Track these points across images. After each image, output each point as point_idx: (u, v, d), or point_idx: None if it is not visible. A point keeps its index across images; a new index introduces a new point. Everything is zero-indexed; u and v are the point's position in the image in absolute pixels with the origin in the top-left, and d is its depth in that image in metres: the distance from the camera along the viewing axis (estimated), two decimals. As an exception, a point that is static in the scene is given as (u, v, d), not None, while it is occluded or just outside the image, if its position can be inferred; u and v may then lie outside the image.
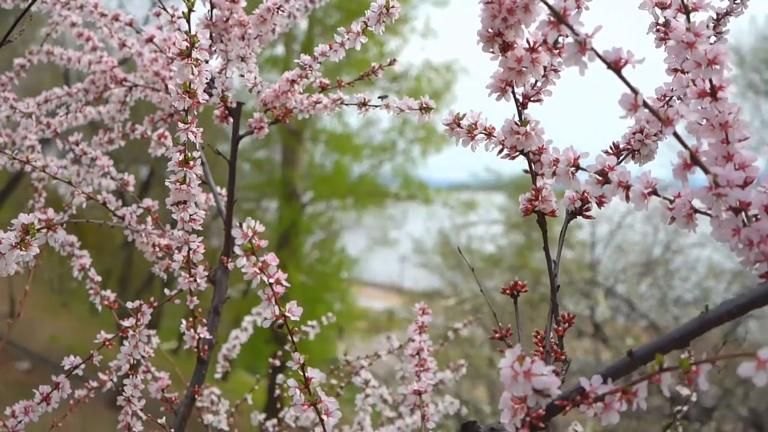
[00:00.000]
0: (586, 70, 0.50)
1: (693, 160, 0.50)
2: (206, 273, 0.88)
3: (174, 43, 1.00)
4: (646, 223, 7.43)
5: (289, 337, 0.63)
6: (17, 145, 1.26)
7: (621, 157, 0.66)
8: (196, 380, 0.96)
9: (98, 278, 1.06)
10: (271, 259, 0.61)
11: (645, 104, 0.49)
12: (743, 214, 0.50)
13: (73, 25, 1.17)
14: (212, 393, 1.27)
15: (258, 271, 0.60)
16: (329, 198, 11.45)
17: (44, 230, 0.62)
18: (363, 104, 0.92)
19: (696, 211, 0.53)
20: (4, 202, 7.51)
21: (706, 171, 0.50)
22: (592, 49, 0.48)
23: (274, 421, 1.25)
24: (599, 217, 7.90)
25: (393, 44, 11.13)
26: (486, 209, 10.31)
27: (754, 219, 0.51)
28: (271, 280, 0.60)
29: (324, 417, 0.62)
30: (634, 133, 0.66)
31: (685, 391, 1.06)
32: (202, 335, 0.94)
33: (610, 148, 0.67)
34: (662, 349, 0.49)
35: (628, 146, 0.66)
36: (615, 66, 0.49)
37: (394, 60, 0.98)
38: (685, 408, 1.04)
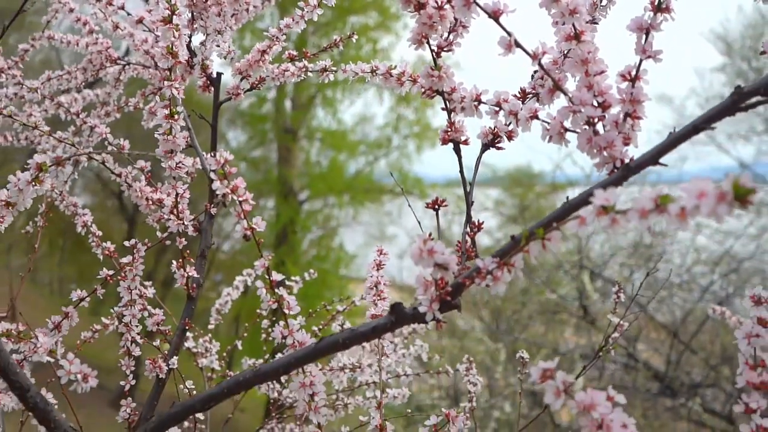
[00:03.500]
0: (473, 19, 0.64)
1: (556, 86, 0.65)
2: (193, 217, 1.03)
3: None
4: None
5: (257, 246, 0.77)
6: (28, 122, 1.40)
7: (527, 99, 0.81)
8: (186, 314, 1.11)
9: (99, 233, 1.21)
10: (240, 182, 0.75)
11: (517, 44, 0.64)
12: (595, 127, 0.64)
13: (71, 10, 1.31)
14: (205, 341, 1.42)
15: (230, 192, 0.74)
16: (326, 195, 11.58)
17: (54, 166, 0.76)
18: (324, 70, 1.07)
19: (566, 129, 0.68)
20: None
21: (566, 94, 0.64)
22: (475, 2, 0.63)
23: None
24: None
25: (386, 41, 11.27)
26: (481, 203, 10.46)
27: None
28: (241, 199, 0.75)
29: (286, 311, 0.77)
30: (536, 80, 0.81)
31: (614, 320, 1.21)
32: (190, 274, 1.09)
33: (519, 91, 0.82)
34: (533, 228, 0.63)
35: (533, 90, 0.81)
36: (494, 15, 0.64)
37: (353, 34, 1.13)
38: (616, 334, 1.18)
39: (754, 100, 0.58)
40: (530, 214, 10.15)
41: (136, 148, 1.20)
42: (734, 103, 0.58)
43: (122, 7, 1.22)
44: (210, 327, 1.47)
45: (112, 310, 1.20)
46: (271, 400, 1.50)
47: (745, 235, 7.68)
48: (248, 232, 0.76)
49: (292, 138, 10.95)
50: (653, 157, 0.60)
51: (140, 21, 1.19)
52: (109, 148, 1.18)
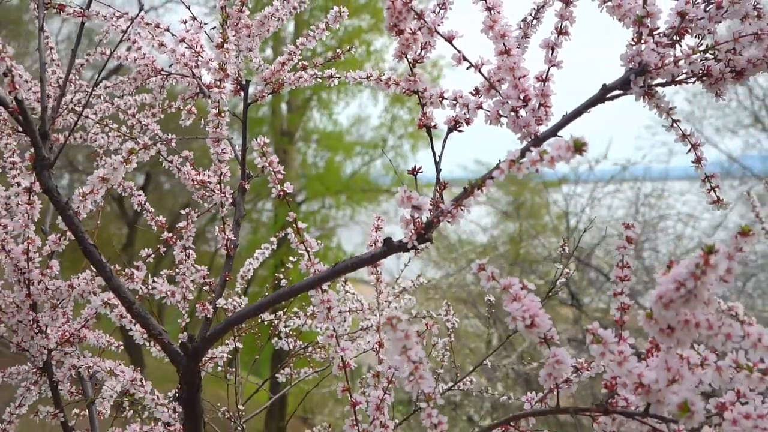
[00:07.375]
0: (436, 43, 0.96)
1: (491, 86, 0.96)
2: (232, 191, 1.34)
3: (199, 41, 1.45)
4: (631, 207, 7.98)
5: (287, 205, 1.09)
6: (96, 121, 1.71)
7: (479, 95, 1.12)
8: (226, 269, 1.42)
9: (152, 209, 1.52)
10: (275, 157, 1.07)
11: (464, 58, 0.95)
12: (519, 113, 0.96)
13: (123, 32, 1.62)
14: (234, 300, 1.73)
15: (267, 164, 1.06)
16: (323, 196, 11.88)
17: (142, 149, 1.07)
18: (331, 77, 1.38)
19: (500, 115, 0.99)
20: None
21: (497, 91, 0.96)
22: (436, 30, 0.94)
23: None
24: (576, 194, 8.36)
25: (378, 43, 11.58)
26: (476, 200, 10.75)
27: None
28: (275, 170, 1.06)
29: (308, 249, 1.08)
30: (482, 82, 1.12)
31: (559, 267, 1.52)
32: (229, 237, 1.40)
33: (473, 89, 1.13)
34: (476, 180, 0.94)
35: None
36: (449, 39, 0.95)
37: (351, 47, 1.44)
38: (563, 280, 1.49)
39: (616, 92, 0.89)
40: (525, 211, 10.46)
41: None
42: (602, 95, 0.89)
43: (167, 29, 1.53)
44: (236, 290, 1.79)
45: (161, 272, 1.51)
46: (291, 352, 1.81)
47: (732, 226, 8.02)
48: (281, 194, 1.07)
49: (288, 140, 11.26)
50: (552, 132, 0.91)
51: (182, 40, 1.50)
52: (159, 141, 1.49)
